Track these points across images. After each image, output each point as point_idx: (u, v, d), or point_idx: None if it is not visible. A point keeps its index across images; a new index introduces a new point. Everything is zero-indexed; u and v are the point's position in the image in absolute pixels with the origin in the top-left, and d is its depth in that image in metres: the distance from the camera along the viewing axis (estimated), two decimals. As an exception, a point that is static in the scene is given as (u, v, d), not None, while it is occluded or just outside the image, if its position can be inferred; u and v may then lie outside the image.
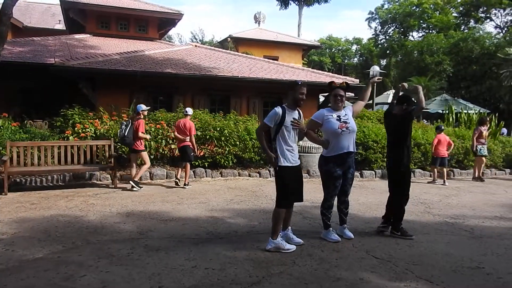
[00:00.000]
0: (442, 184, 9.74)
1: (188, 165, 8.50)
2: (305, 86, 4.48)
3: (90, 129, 9.09)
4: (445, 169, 10.06)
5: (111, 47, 15.37)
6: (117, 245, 4.46)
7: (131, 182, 7.89)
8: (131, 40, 17.68)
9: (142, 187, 7.99)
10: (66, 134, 8.91)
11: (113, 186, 8.08)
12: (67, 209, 6.16)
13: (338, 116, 4.76)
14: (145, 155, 8.31)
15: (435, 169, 10.13)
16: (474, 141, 10.67)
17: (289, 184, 4.43)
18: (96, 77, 11.25)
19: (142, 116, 8.24)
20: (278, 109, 4.41)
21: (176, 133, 8.48)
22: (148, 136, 8.48)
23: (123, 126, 8.09)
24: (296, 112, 4.53)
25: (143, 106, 8.39)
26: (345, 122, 4.73)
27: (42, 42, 15.33)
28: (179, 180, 8.52)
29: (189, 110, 8.77)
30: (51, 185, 8.17)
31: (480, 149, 10.60)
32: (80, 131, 8.99)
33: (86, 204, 6.51)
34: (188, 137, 8.36)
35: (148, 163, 8.36)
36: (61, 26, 22.22)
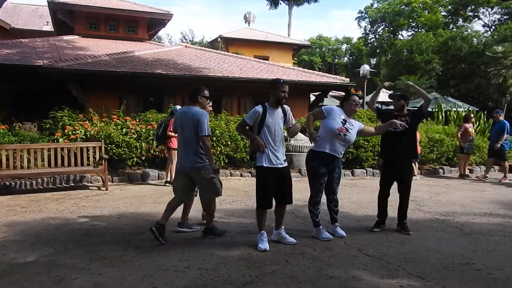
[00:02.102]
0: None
1: None
2: (287, 84, 4.46)
3: (80, 131, 9.02)
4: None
5: (100, 48, 15.28)
6: (109, 247, 4.44)
7: (167, 184, 8.44)
8: (121, 41, 17.57)
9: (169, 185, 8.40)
10: (55, 136, 8.83)
11: (105, 188, 8.03)
12: (58, 211, 6.11)
13: (344, 120, 4.77)
14: (172, 153, 8.49)
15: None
16: (459, 137, 10.81)
17: (266, 185, 4.45)
18: (86, 78, 11.17)
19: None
20: (259, 108, 4.42)
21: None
22: (175, 135, 8.65)
23: (158, 126, 8.38)
24: (280, 110, 4.52)
25: (178, 107, 8.59)
26: (347, 129, 4.74)
27: (30, 43, 15.18)
28: None
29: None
30: (41, 188, 8.09)
31: (468, 147, 10.74)
32: (70, 133, 8.92)
33: (77, 207, 6.46)
34: None
35: (171, 163, 8.50)
36: (49, 27, 22.05)
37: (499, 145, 10.20)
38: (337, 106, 5.20)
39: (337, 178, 4.97)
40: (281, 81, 4.48)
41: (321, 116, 4.88)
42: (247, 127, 4.54)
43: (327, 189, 4.90)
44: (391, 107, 5.52)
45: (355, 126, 4.87)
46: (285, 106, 4.61)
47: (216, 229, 4.93)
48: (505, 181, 10.09)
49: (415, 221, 5.74)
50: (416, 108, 5.64)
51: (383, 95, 22.52)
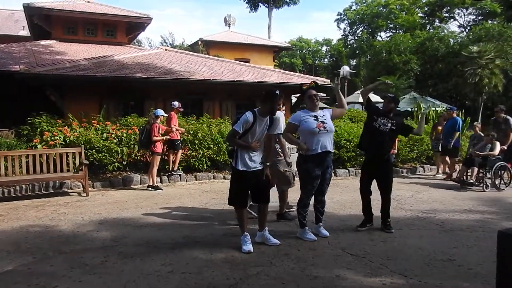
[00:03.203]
0: None
1: (178, 153, 9.23)
2: (282, 96, 4.47)
3: (59, 137, 8.85)
4: None
5: (78, 52, 15.04)
6: (91, 254, 4.37)
7: (150, 188, 8.41)
8: (99, 45, 17.33)
9: (162, 189, 8.46)
10: (34, 143, 8.65)
11: (85, 194, 7.90)
12: (37, 219, 5.98)
13: (316, 116, 4.79)
14: (156, 158, 8.51)
15: None
16: (432, 138, 11.10)
17: (239, 187, 4.52)
18: (64, 83, 10.98)
19: (158, 121, 8.60)
20: (250, 116, 4.37)
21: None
22: (164, 137, 8.76)
23: (141, 131, 8.60)
24: (268, 117, 4.51)
25: (161, 111, 8.82)
26: (323, 122, 4.77)
27: (5, 49, 14.86)
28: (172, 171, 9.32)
29: (173, 103, 9.38)
30: (19, 195, 7.91)
31: (433, 144, 10.99)
32: (48, 139, 8.74)
33: (57, 214, 6.34)
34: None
35: (155, 167, 8.55)
36: (25, 32, 21.65)
37: (452, 144, 10.02)
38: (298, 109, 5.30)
39: (328, 179, 4.99)
40: (278, 93, 4.46)
41: (295, 127, 4.89)
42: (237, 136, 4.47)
43: (317, 190, 4.91)
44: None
45: (326, 115, 4.91)
46: (276, 114, 4.58)
47: (288, 214, 5.74)
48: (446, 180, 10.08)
49: (397, 219, 5.81)
50: (404, 122, 5.78)
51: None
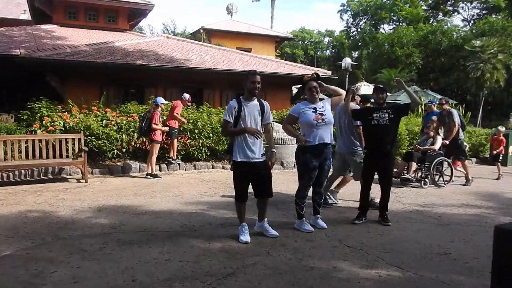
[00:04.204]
0: None
1: (174, 141, 9.21)
2: (258, 75, 4.42)
3: (59, 122, 8.84)
4: None
5: (79, 38, 14.97)
6: (89, 240, 4.39)
7: (148, 176, 8.42)
8: (101, 31, 17.26)
9: (161, 177, 8.48)
10: (33, 128, 8.64)
11: (84, 180, 7.91)
12: (36, 204, 6.00)
13: (314, 108, 4.80)
14: (155, 146, 8.55)
15: None
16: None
17: (240, 179, 4.46)
18: (64, 69, 10.95)
19: (159, 109, 8.62)
20: (233, 102, 4.42)
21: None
22: (164, 128, 8.77)
23: (142, 119, 8.64)
24: (256, 103, 4.49)
25: (161, 99, 8.83)
26: (321, 114, 4.77)
27: (6, 32, 14.79)
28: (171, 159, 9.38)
29: (184, 95, 9.50)
30: (18, 180, 7.93)
31: None
32: (48, 124, 8.73)
33: (55, 199, 6.35)
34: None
35: (154, 155, 8.57)
36: (26, 16, 21.51)
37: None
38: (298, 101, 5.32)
39: (326, 171, 4.99)
40: (252, 72, 4.47)
41: (294, 119, 4.93)
42: (230, 126, 4.44)
43: (315, 181, 4.92)
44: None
45: (326, 106, 4.92)
46: (265, 102, 4.58)
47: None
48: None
49: (395, 212, 5.83)
50: (399, 102, 5.77)
51: (365, 88, 22.48)
